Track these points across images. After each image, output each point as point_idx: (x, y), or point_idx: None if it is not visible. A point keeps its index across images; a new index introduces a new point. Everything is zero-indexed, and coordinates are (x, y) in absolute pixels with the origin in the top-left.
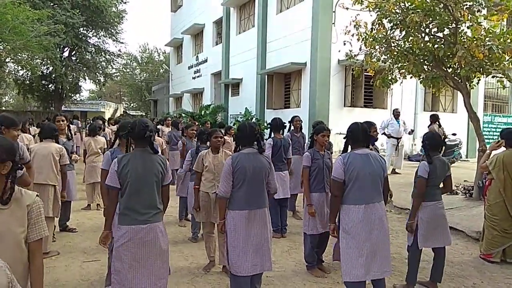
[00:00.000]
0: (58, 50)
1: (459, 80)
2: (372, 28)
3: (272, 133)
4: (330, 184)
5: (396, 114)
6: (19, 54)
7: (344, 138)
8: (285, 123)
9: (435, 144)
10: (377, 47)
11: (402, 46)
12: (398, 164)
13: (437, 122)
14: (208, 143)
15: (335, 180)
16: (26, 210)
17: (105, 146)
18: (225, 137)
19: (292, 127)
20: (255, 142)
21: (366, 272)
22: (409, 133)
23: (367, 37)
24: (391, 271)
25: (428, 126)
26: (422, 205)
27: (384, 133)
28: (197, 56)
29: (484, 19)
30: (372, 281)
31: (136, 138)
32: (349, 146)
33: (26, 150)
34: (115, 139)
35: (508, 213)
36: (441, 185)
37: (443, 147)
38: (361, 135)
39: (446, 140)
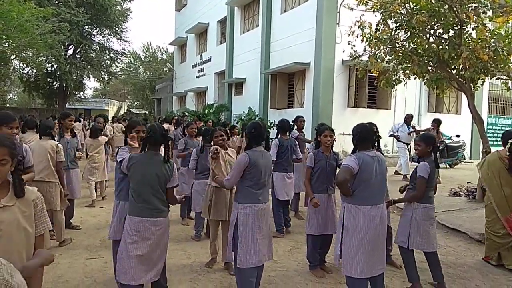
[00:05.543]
0: (62, 48)
1: (464, 82)
2: (376, 29)
3: (279, 134)
4: (337, 176)
5: (408, 120)
6: (24, 51)
7: (353, 139)
8: (292, 124)
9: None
10: (381, 47)
11: (407, 47)
12: (406, 169)
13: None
14: (212, 142)
15: (349, 168)
16: (32, 204)
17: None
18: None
19: (296, 127)
20: (263, 141)
21: (367, 270)
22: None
23: (371, 37)
24: (385, 268)
25: (430, 130)
26: (416, 205)
27: (392, 135)
28: (201, 55)
29: (489, 20)
30: (370, 280)
31: (153, 143)
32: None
33: (30, 154)
34: (125, 138)
35: (497, 215)
36: None
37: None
38: (370, 136)
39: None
